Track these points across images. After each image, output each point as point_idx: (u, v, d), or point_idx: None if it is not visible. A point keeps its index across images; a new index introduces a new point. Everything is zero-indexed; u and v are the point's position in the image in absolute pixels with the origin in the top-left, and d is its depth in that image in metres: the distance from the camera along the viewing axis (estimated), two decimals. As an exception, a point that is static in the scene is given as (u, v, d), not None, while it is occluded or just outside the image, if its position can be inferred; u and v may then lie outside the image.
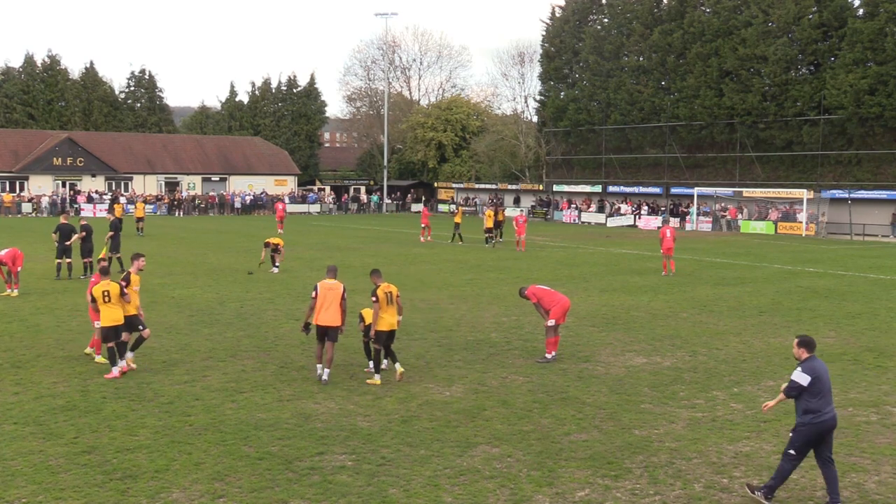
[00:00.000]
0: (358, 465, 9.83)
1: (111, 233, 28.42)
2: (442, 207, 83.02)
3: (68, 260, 25.97)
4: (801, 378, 8.94)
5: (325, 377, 13.59)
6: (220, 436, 10.82)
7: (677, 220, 63.37)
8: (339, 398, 12.71)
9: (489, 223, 41.92)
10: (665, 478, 9.64)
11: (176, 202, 74.29)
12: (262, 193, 79.68)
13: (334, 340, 13.62)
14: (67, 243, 25.80)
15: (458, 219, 45.00)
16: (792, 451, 9.05)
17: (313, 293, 13.72)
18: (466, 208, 74.07)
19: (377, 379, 13.64)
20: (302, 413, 11.91)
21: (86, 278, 25.69)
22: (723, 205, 62.02)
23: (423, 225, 44.72)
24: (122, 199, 71.25)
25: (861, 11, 58.10)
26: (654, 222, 62.88)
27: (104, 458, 9.96)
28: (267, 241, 29.77)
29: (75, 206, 69.07)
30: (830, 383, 9.12)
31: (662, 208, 66.22)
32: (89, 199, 71.49)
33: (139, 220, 46.95)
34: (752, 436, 11.24)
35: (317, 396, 12.79)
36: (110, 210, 53.21)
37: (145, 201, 64.68)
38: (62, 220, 26.40)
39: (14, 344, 16.31)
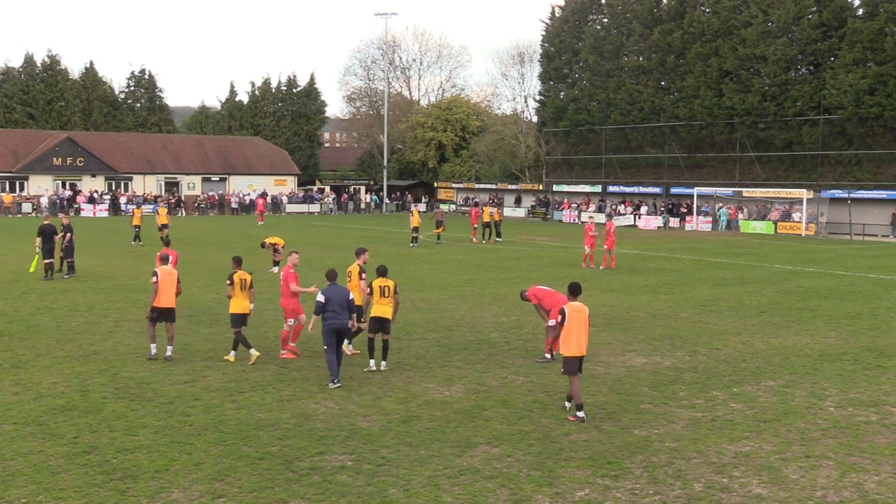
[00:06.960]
0: (358, 465, 9.83)
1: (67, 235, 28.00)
2: (442, 208, 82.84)
3: (50, 260, 25.90)
4: (320, 297, 13.24)
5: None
6: (220, 436, 10.82)
7: (677, 219, 63.42)
8: (339, 398, 12.71)
9: (415, 222, 41.86)
10: (665, 478, 9.64)
11: (181, 202, 74.30)
12: (262, 193, 79.67)
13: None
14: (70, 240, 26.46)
15: (496, 216, 45.67)
16: (325, 346, 13.22)
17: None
18: (465, 208, 74.00)
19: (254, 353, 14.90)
20: (302, 413, 11.91)
21: (68, 277, 26.03)
22: (722, 204, 61.98)
23: (474, 226, 45.17)
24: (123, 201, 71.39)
25: (861, 11, 58.08)
26: (653, 222, 62.91)
27: (104, 458, 9.96)
28: (263, 241, 29.76)
29: (74, 205, 69.02)
30: (342, 300, 13.24)
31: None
32: (90, 200, 71.45)
33: (163, 227, 39.15)
34: (752, 436, 11.24)
35: (317, 396, 12.79)
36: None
37: (168, 205, 61.03)
38: (46, 220, 26.55)
39: (14, 344, 16.31)
